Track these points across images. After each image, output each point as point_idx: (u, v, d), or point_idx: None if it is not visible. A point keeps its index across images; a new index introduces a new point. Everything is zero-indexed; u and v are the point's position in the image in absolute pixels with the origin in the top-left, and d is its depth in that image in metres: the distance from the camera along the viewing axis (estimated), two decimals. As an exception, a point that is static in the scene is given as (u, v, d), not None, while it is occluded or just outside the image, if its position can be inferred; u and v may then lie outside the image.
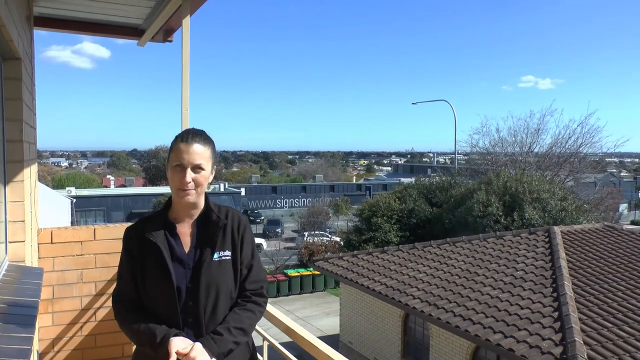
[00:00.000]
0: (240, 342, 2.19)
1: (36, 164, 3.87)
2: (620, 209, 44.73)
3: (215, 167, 2.32)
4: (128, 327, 2.19)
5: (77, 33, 4.60)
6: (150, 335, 2.09)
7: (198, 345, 2.04)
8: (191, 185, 2.17)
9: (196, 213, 2.29)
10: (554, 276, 12.52)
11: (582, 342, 9.69)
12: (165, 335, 2.07)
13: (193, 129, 2.27)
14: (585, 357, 9.28)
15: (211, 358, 2.05)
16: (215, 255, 2.22)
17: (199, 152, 2.19)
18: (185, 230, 2.27)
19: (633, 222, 53.25)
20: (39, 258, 3.82)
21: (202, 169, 2.19)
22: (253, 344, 2.46)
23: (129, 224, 4.19)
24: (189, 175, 2.16)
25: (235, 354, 2.21)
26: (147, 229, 2.23)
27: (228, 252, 2.26)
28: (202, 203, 2.30)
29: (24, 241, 2.95)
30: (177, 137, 2.23)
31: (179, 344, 2.04)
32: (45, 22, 4.42)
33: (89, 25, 4.54)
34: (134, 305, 2.23)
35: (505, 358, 10.98)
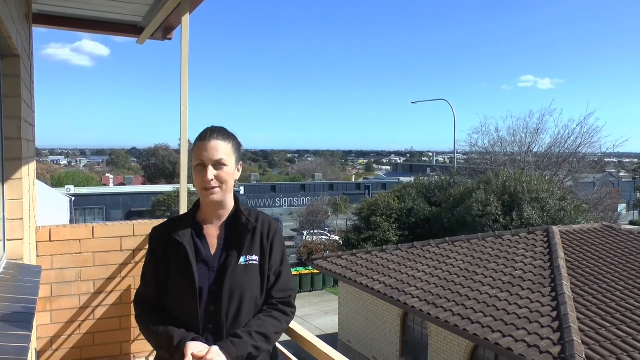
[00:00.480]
0: (261, 349, 2.10)
1: (35, 161, 3.86)
2: (619, 209, 44.80)
3: (241, 163, 2.25)
4: (147, 330, 2.14)
5: (76, 30, 4.59)
6: (168, 338, 2.03)
7: (215, 348, 1.98)
8: (214, 182, 2.10)
9: (225, 214, 2.22)
10: (552, 276, 12.53)
11: (580, 341, 9.70)
12: (183, 339, 2.01)
13: (212, 126, 2.19)
14: (584, 356, 9.28)
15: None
16: (242, 259, 2.14)
17: (220, 148, 2.11)
18: (212, 232, 2.21)
19: (632, 222, 53.29)
20: (38, 256, 3.81)
21: (225, 165, 2.12)
22: (276, 354, 2.37)
23: (128, 222, 4.20)
24: (211, 172, 2.09)
25: None
26: (173, 229, 2.17)
27: (256, 257, 2.17)
28: (230, 203, 2.23)
29: (22, 239, 2.94)
30: (197, 137, 2.17)
31: (195, 347, 1.97)
32: (44, 20, 4.42)
33: (88, 23, 4.54)
34: (155, 308, 2.17)
35: (504, 357, 10.99)
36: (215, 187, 2.11)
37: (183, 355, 1.95)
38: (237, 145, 2.22)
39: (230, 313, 2.10)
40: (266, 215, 2.30)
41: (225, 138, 2.16)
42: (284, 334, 2.60)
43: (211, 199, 2.13)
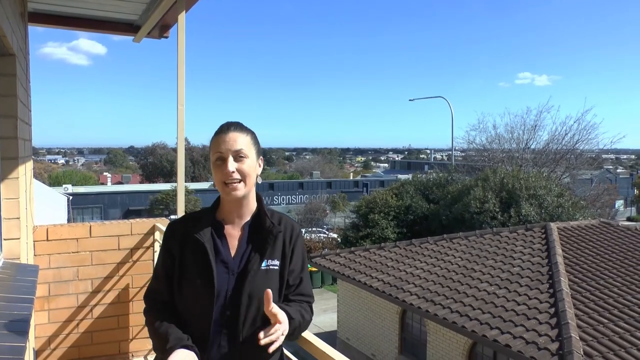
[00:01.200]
0: (301, 330, 2.09)
1: (31, 160, 3.85)
2: (616, 206, 44.89)
3: (261, 158, 2.12)
4: (150, 327, 2.05)
5: (72, 29, 4.59)
6: (163, 340, 1.94)
7: (282, 314, 1.93)
8: (236, 175, 1.97)
9: (247, 214, 2.11)
10: (550, 272, 12.55)
11: (578, 337, 9.72)
12: (175, 345, 1.90)
13: (228, 121, 2.09)
14: (581, 352, 9.30)
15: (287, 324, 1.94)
16: (264, 264, 2.03)
17: (238, 139, 2.00)
18: (234, 233, 2.09)
19: (629, 219, 53.46)
20: (35, 255, 3.81)
21: (246, 157, 2.00)
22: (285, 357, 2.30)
23: (125, 221, 4.20)
24: (232, 164, 1.97)
25: None
26: (192, 227, 2.05)
27: (277, 262, 2.07)
28: (253, 202, 2.12)
29: (19, 238, 2.93)
30: (214, 133, 2.06)
31: (179, 356, 1.86)
32: (40, 18, 4.40)
33: (85, 22, 4.52)
34: (163, 306, 2.07)
35: (502, 354, 11.01)
36: (237, 181, 1.99)
37: None
38: (255, 138, 2.10)
39: (248, 319, 1.99)
40: (289, 217, 2.21)
41: (243, 130, 2.06)
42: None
43: (233, 195, 2.00)
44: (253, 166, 2.03)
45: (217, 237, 2.05)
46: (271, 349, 1.88)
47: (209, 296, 1.96)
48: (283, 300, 2.10)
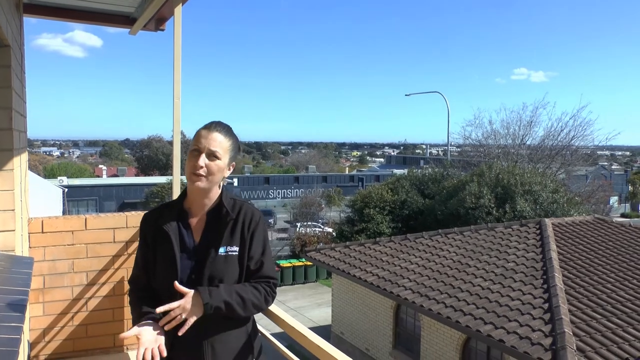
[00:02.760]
0: (233, 308, 2.17)
1: (27, 152, 3.84)
2: (610, 202, 45.00)
3: (233, 164, 2.30)
4: (131, 307, 2.31)
5: (67, 21, 4.55)
6: (136, 318, 2.22)
7: (189, 295, 2.11)
8: (203, 170, 2.16)
9: (209, 204, 2.29)
10: (544, 268, 12.60)
11: (571, 333, 9.78)
12: (138, 321, 2.19)
13: (219, 120, 2.28)
14: (574, 348, 9.36)
15: (201, 305, 2.11)
16: (222, 250, 2.21)
17: (218, 141, 2.19)
18: (197, 221, 2.29)
19: (623, 215, 53.69)
20: (30, 247, 3.80)
21: (218, 158, 2.19)
22: (256, 334, 2.43)
23: (121, 213, 4.19)
24: (203, 160, 2.16)
25: (230, 339, 2.25)
26: (161, 217, 2.27)
27: (236, 248, 2.24)
28: (214, 195, 2.29)
29: (13, 230, 2.93)
30: (201, 127, 2.26)
31: (136, 330, 2.13)
32: (35, 10, 4.37)
33: (80, 13, 4.50)
34: (143, 289, 2.30)
35: (496, 349, 11.07)
36: (203, 176, 2.17)
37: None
38: (236, 146, 2.29)
39: None
40: (250, 205, 2.35)
41: (227, 134, 2.24)
42: (276, 326, 2.61)
43: (196, 185, 2.19)
44: (222, 168, 2.22)
45: (182, 226, 2.26)
46: (181, 331, 2.10)
47: (174, 281, 2.14)
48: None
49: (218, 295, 2.13)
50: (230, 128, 2.29)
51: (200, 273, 2.18)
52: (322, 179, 66.93)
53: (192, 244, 2.24)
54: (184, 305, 2.10)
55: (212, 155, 2.18)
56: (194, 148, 2.19)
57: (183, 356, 2.18)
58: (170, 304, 2.10)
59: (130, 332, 2.13)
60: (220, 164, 2.21)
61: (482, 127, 36.33)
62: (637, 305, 11.27)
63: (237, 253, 2.24)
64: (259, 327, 2.66)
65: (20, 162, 3.31)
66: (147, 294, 2.28)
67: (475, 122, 42.39)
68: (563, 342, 9.40)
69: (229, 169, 2.28)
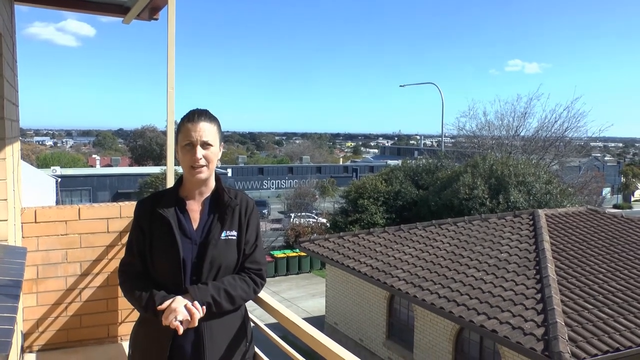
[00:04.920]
0: (221, 305, 2.24)
1: (19, 141, 3.82)
2: (603, 193, 45.26)
3: (222, 143, 2.39)
4: (132, 294, 2.28)
5: (59, 9, 4.50)
6: (151, 300, 2.20)
7: (178, 297, 2.17)
8: (202, 161, 2.24)
9: (206, 191, 2.37)
10: (537, 259, 12.66)
11: (563, 323, 9.85)
12: (156, 298, 2.19)
13: (197, 109, 2.33)
14: (566, 338, 9.43)
15: (192, 302, 2.16)
16: (223, 234, 2.29)
17: (207, 129, 2.26)
18: (195, 208, 2.35)
19: (615, 206, 53.97)
20: (23, 237, 3.78)
21: (211, 145, 2.27)
22: (248, 322, 2.48)
23: (115, 204, 4.18)
24: (200, 152, 2.24)
25: (227, 322, 2.30)
26: (158, 203, 2.32)
27: (234, 233, 2.33)
28: (212, 182, 2.38)
29: (6, 220, 2.91)
30: (183, 118, 2.30)
31: (179, 300, 2.16)
32: (27, -2, 4.33)
33: (72, 2, 4.45)
34: (139, 275, 2.32)
35: (489, 339, 11.14)
36: (203, 166, 2.25)
37: (153, 312, 2.16)
38: (219, 126, 2.37)
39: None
40: (244, 194, 2.46)
41: (211, 120, 2.31)
42: (270, 317, 2.61)
43: (198, 177, 2.26)
44: (216, 152, 2.32)
45: (180, 212, 2.31)
46: (179, 331, 2.13)
47: (177, 265, 2.22)
48: (239, 267, 2.37)
49: (204, 292, 2.21)
50: (209, 111, 2.35)
51: (203, 256, 2.25)
52: (316, 169, 66.89)
53: (192, 229, 2.30)
54: (175, 307, 2.16)
55: (205, 145, 2.25)
56: (186, 143, 2.25)
57: (181, 338, 2.20)
58: (170, 304, 2.16)
59: (167, 303, 2.16)
60: (215, 150, 2.30)
61: (476, 118, 36.48)
62: (628, 296, 11.37)
63: (235, 237, 2.33)
64: (252, 317, 2.67)
65: (13, 151, 3.29)
66: (145, 280, 2.29)
67: (470, 113, 42.32)
68: (555, 332, 9.47)
69: (220, 150, 2.37)
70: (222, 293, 2.23)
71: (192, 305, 2.15)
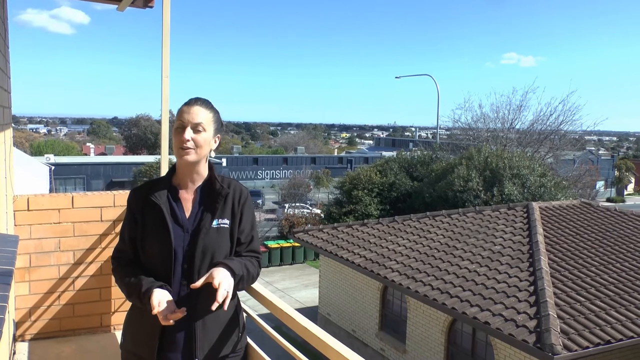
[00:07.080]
0: (244, 279, 2.28)
1: (11, 129, 3.78)
2: (597, 186, 45.39)
3: (219, 135, 2.35)
4: (121, 280, 2.29)
5: (54, -5, 4.45)
6: (137, 286, 2.19)
7: (219, 269, 2.18)
8: (190, 144, 2.21)
9: (199, 179, 2.35)
10: (530, 251, 12.71)
11: (555, 315, 9.90)
12: (150, 286, 2.16)
13: (198, 97, 2.32)
14: (559, 330, 9.48)
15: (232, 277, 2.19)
16: (214, 223, 2.28)
17: (200, 113, 2.24)
18: (187, 196, 2.34)
19: (609, 200, 54.25)
20: (15, 225, 3.76)
21: (203, 130, 2.24)
22: (240, 310, 2.50)
23: (108, 192, 4.15)
24: (189, 133, 2.20)
25: (220, 312, 2.26)
26: (151, 191, 2.30)
27: (227, 221, 2.32)
28: (204, 169, 2.35)
29: (-2, 208, 2.89)
30: (182, 104, 2.30)
31: (158, 296, 2.13)
32: (21, -17, 4.28)
33: (67, -12, 4.40)
34: (131, 262, 2.32)
35: (481, 331, 11.19)
36: (191, 149, 2.22)
37: (149, 301, 2.11)
38: (218, 118, 2.33)
39: (202, 272, 2.23)
40: (238, 182, 2.44)
41: (208, 107, 2.29)
42: (263, 307, 2.60)
43: (185, 159, 2.23)
44: (208, 140, 2.27)
45: (172, 200, 2.31)
46: (225, 306, 2.11)
47: (169, 253, 2.21)
48: (235, 255, 2.37)
49: (240, 268, 2.25)
50: (210, 102, 2.33)
51: (194, 244, 2.24)
52: (311, 160, 66.78)
53: (184, 217, 2.29)
54: (225, 284, 2.15)
55: (196, 128, 2.22)
56: (178, 125, 2.23)
57: (173, 326, 2.20)
58: (220, 288, 2.11)
59: (156, 293, 2.14)
60: (206, 136, 2.25)
61: (471, 110, 36.48)
62: (619, 289, 11.43)
63: (228, 226, 2.32)
64: (245, 307, 2.66)
65: (4, 138, 3.26)
66: (135, 268, 2.30)
67: (465, 105, 42.52)
68: (547, 325, 9.52)
69: (215, 141, 2.33)
70: (244, 269, 2.28)
71: (177, 310, 2.13)
